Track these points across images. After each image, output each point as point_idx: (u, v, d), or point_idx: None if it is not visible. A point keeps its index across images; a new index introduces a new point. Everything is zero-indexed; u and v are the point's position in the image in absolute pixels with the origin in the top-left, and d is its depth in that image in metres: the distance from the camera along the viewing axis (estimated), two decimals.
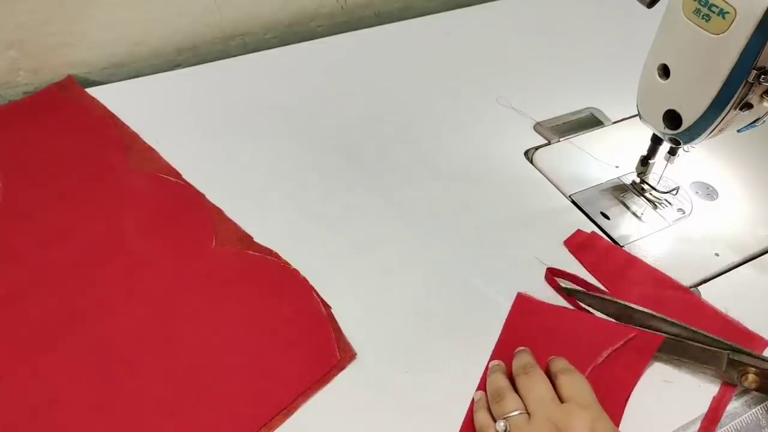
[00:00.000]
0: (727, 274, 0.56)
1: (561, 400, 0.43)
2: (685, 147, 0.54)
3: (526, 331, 0.50)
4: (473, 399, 0.46)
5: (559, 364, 0.46)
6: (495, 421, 0.43)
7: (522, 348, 0.48)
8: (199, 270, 0.53)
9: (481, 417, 0.44)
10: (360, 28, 0.86)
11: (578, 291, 0.53)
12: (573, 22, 0.89)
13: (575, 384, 0.44)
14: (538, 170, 0.65)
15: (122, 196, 0.59)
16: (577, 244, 0.57)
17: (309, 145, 0.67)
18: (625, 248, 0.57)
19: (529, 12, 0.90)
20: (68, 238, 0.55)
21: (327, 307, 0.51)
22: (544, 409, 0.42)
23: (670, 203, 0.61)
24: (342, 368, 0.47)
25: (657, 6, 0.50)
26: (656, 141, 0.58)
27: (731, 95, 0.47)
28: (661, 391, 0.47)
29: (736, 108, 0.48)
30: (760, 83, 0.46)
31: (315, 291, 0.52)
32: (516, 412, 0.43)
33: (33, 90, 0.73)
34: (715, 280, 0.55)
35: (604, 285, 0.54)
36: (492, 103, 0.73)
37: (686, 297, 0.53)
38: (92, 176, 0.61)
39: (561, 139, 0.68)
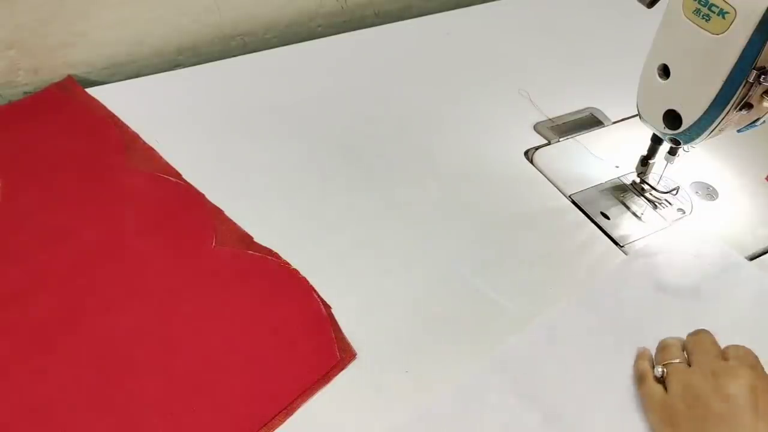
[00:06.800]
0: None
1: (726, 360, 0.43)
2: (685, 147, 0.54)
3: None
4: (637, 352, 0.46)
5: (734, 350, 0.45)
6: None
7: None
8: (199, 270, 0.53)
9: (641, 365, 0.45)
10: (360, 27, 0.86)
11: None
12: (573, 22, 0.89)
13: (742, 348, 0.43)
14: (538, 170, 0.65)
15: (122, 196, 0.59)
16: None
17: (309, 145, 0.67)
18: (626, 248, 0.57)
19: (529, 12, 0.90)
20: (68, 238, 0.55)
21: (327, 307, 0.51)
22: (706, 361, 0.42)
23: (670, 203, 0.61)
24: (342, 368, 0.47)
25: (657, 6, 0.50)
26: (656, 141, 0.58)
27: (731, 95, 0.47)
28: None
29: (736, 108, 0.48)
30: (760, 83, 0.46)
31: (315, 291, 0.52)
32: (677, 360, 0.43)
33: (33, 90, 0.72)
34: None
35: None
36: (492, 103, 0.73)
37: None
38: (92, 176, 0.61)
39: (561, 139, 0.68)
